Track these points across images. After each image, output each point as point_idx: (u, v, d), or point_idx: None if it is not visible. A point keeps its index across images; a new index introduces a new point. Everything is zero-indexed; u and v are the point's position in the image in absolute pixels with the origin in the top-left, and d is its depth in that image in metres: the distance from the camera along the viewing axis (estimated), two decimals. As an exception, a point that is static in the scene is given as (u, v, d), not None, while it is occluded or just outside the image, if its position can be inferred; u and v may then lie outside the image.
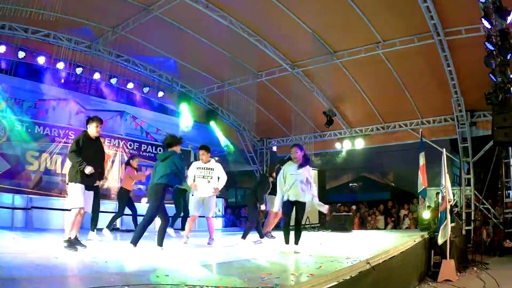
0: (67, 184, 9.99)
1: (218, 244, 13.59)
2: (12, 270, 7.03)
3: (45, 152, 17.98)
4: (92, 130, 10.19)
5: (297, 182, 10.87)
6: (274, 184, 13.85)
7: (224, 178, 13.07)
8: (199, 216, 13.50)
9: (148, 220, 9.95)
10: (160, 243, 9.98)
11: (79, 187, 9.57)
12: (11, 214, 16.25)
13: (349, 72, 20.62)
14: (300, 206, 11.05)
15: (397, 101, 21.14)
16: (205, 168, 12.91)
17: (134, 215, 15.56)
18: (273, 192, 13.97)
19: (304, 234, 17.38)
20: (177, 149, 10.62)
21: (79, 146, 9.82)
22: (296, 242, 10.96)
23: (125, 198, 15.27)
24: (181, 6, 17.46)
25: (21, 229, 15.57)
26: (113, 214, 15.25)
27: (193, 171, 12.86)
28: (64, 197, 17.79)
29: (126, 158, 19.92)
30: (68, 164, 12.56)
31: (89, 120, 10.32)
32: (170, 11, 18.03)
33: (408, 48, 17.78)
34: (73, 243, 9.37)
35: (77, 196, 9.55)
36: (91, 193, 10.05)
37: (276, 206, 13.09)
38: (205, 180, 12.85)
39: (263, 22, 19.04)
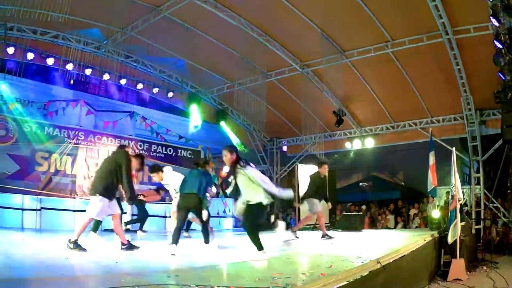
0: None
1: (229, 244, 13.64)
2: (22, 270, 7.08)
3: (54, 153, 18.06)
4: None
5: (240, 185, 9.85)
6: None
7: None
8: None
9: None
10: (207, 241, 11.03)
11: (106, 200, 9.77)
12: (21, 215, 16.32)
13: (359, 71, 20.61)
14: (249, 209, 9.82)
15: (407, 100, 21.10)
16: None
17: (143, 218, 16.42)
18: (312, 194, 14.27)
19: (315, 234, 17.40)
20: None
21: None
22: (257, 248, 9.67)
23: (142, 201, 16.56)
24: (190, 7, 17.47)
25: (31, 230, 15.67)
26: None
27: None
28: (74, 197, 17.92)
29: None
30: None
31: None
32: (179, 11, 18.04)
33: (417, 47, 17.75)
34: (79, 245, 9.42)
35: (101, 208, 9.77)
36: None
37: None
38: None
39: (272, 21, 19.03)
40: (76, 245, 9.33)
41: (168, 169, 13.68)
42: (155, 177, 13.35)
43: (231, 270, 8.07)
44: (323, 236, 14.71)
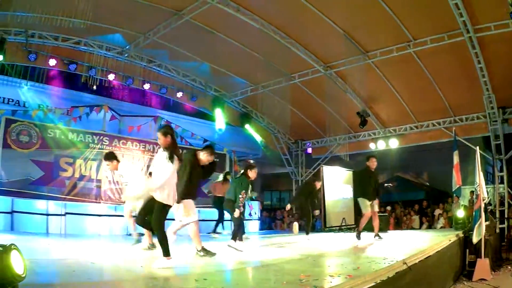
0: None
1: (256, 246, 13.72)
2: (49, 275, 7.16)
3: (79, 159, 18.16)
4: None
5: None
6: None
7: None
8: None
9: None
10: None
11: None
12: (46, 220, 16.43)
13: (382, 71, 20.51)
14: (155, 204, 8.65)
15: (430, 99, 21.00)
16: None
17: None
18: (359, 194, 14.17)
19: (340, 235, 17.37)
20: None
21: None
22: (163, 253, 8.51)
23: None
24: (212, 10, 17.49)
25: (56, 235, 15.77)
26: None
27: None
28: (99, 202, 18.03)
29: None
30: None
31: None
32: (201, 15, 18.05)
33: (439, 46, 17.62)
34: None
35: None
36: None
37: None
38: None
39: (294, 24, 19.01)
40: (206, 252, 9.53)
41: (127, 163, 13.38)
42: (109, 166, 12.48)
43: (258, 273, 8.11)
44: (357, 235, 14.57)
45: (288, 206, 17.91)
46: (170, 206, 8.65)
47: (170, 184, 8.58)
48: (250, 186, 12.39)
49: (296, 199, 18.12)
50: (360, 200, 14.66)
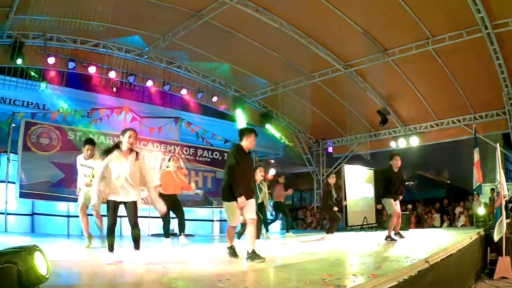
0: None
1: (278, 246, 13.77)
2: (70, 277, 7.20)
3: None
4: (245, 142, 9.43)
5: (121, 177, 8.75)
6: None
7: None
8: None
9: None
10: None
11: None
12: (66, 222, 16.54)
13: (401, 69, 20.46)
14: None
15: (449, 97, 20.97)
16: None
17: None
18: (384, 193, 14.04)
19: (361, 234, 17.34)
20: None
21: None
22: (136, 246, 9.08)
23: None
24: (231, 11, 17.52)
25: (76, 237, 15.87)
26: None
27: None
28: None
29: (182, 164, 20.15)
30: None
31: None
32: (220, 16, 18.08)
33: (458, 43, 17.55)
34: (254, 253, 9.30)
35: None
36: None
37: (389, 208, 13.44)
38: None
39: (313, 23, 18.99)
40: (254, 254, 9.12)
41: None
42: (89, 151, 11.95)
43: (280, 273, 8.10)
44: (385, 238, 14.05)
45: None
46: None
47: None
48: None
49: (323, 206, 18.15)
50: (384, 200, 14.33)
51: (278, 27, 18.54)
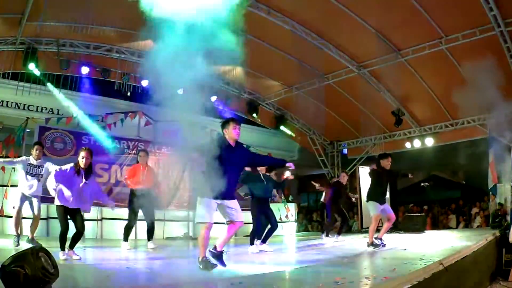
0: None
1: (291, 248, 13.75)
2: (83, 280, 7.23)
3: (114, 164, 18.26)
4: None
5: None
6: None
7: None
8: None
9: None
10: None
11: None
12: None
13: (415, 69, 20.43)
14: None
15: (464, 96, 20.88)
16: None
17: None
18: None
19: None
20: None
21: None
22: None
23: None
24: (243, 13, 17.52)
25: (92, 240, 15.95)
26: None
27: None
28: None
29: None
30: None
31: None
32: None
33: (471, 42, 17.50)
34: None
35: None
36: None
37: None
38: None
39: (326, 24, 18.99)
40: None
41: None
42: (38, 152, 12.43)
43: (294, 276, 8.08)
44: (368, 245, 12.89)
45: None
46: None
47: None
48: None
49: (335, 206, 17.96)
50: (369, 203, 13.33)
51: (290, 29, 18.52)
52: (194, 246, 14.97)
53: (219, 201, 8.19)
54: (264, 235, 12.93)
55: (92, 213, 16.64)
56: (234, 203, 8.40)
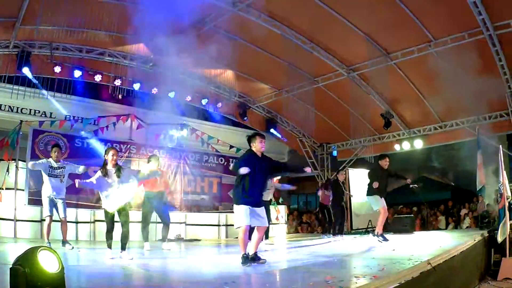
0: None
1: (282, 249, 13.86)
2: (82, 281, 7.33)
3: (108, 167, 18.33)
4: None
5: None
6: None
7: None
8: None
9: None
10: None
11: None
12: (75, 228, 16.65)
13: (404, 72, 20.57)
14: None
15: (453, 99, 21.00)
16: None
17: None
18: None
19: (366, 238, 17.46)
20: None
21: None
22: None
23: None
24: (234, 18, 17.71)
25: (85, 242, 16.02)
26: None
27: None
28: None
29: (188, 170, 20.31)
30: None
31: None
32: (223, 23, 18.23)
33: (460, 45, 17.64)
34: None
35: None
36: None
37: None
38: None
39: (316, 28, 19.14)
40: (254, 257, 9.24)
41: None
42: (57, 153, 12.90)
43: (285, 275, 8.23)
44: (375, 234, 14.26)
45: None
46: None
47: None
48: None
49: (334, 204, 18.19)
50: (371, 198, 14.37)
51: (281, 33, 18.66)
52: (186, 247, 15.13)
53: (251, 208, 9.05)
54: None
55: (83, 215, 16.81)
56: (262, 211, 9.27)
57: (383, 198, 14.23)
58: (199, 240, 18.37)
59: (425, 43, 18.45)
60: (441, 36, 17.91)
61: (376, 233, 14.26)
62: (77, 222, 16.78)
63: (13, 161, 16.42)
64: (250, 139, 9.62)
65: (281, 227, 23.31)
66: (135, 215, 14.67)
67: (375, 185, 13.86)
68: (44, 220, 13.01)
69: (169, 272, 8.71)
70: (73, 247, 12.49)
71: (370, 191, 14.20)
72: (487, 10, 15.73)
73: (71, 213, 16.49)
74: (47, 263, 4.98)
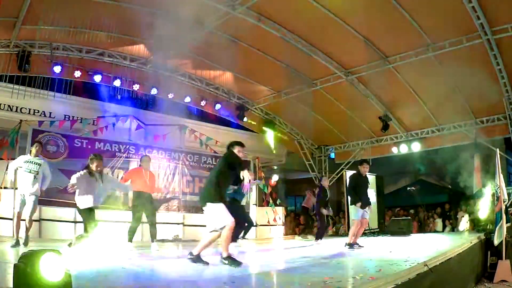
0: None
1: (281, 250, 13.90)
2: (82, 281, 7.38)
3: (106, 167, 18.31)
4: None
5: None
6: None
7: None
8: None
9: None
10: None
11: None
12: (73, 228, 16.66)
13: (402, 76, 20.61)
14: None
15: (451, 102, 21.04)
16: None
17: None
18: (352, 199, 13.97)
19: (363, 239, 17.55)
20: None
21: None
22: None
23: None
24: (234, 20, 17.68)
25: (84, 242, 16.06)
26: None
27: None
28: (127, 209, 18.22)
29: (186, 171, 20.34)
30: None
31: None
32: (223, 25, 18.29)
33: (458, 49, 17.70)
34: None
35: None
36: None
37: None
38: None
39: (315, 32, 19.14)
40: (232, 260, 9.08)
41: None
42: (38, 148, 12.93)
43: (283, 276, 8.27)
44: (346, 244, 13.81)
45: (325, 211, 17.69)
46: None
47: None
48: None
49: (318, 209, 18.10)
50: (351, 207, 14.49)
51: (280, 36, 18.72)
52: (184, 247, 15.16)
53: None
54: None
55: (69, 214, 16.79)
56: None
57: (363, 210, 13.79)
58: (197, 241, 18.43)
59: (423, 47, 18.47)
60: (440, 40, 17.94)
61: (345, 243, 13.97)
62: (75, 222, 16.79)
63: (13, 161, 16.46)
64: (232, 145, 10.14)
65: (278, 228, 23.33)
66: (126, 215, 14.74)
67: (358, 205, 13.63)
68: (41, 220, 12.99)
69: (169, 272, 8.73)
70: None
71: (352, 200, 14.14)
72: (486, 14, 15.78)
73: (71, 213, 16.54)
74: (50, 270, 4.87)
